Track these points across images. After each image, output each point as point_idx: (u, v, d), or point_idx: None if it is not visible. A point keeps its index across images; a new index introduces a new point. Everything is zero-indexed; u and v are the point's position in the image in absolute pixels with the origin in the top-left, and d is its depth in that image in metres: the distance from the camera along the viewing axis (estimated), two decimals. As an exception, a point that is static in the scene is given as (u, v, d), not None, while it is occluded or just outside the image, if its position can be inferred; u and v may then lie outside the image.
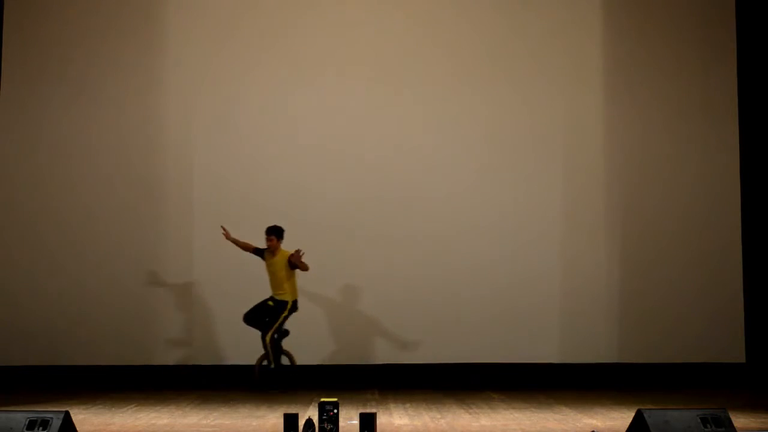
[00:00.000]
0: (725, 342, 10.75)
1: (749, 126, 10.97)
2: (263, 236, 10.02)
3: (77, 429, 5.99)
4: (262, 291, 10.64)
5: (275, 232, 9.91)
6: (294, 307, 9.88)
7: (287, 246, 9.93)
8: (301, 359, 10.49)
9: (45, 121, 10.83)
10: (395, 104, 10.98)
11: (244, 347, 10.47)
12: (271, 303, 9.84)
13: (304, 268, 9.76)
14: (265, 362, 9.83)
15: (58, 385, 10.09)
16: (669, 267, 10.87)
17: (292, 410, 6.57)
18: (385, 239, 10.79)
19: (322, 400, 6.28)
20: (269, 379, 9.78)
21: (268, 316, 9.82)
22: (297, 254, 9.69)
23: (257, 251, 10.03)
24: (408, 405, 8.64)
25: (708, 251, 10.90)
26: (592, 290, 10.82)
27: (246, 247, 10.04)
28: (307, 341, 10.54)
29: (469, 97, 11.00)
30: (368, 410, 6.69)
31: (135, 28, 10.96)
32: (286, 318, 9.82)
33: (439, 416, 7.86)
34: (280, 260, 9.83)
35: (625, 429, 6.09)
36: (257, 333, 10.06)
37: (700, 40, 11.16)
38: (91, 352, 10.53)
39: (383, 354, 10.66)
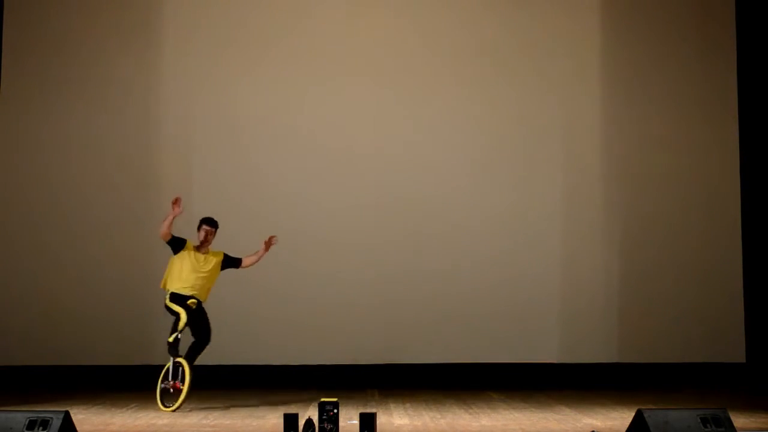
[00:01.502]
0: (725, 342, 10.75)
1: (749, 126, 10.97)
2: (262, 235, 10.02)
3: (77, 429, 5.99)
4: (263, 290, 10.66)
5: (217, 226, 8.61)
6: None
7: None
8: (301, 359, 10.52)
9: (46, 122, 10.83)
10: (395, 105, 10.98)
11: (245, 347, 10.49)
12: (194, 303, 8.36)
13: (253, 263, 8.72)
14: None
15: (58, 385, 10.09)
16: (669, 267, 10.87)
17: (292, 410, 6.57)
18: (384, 239, 10.79)
19: (322, 400, 6.28)
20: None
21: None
22: (272, 241, 8.66)
23: (176, 241, 8.44)
24: (408, 405, 8.65)
25: (708, 251, 10.90)
26: (592, 290, 10.82)
27: (167, 232, 8.34)
28: (307, 341, 10.55)
29: (468, 98, 11.00)
30: (368, 410, 6.69)
31: (135, 30, 10.95)
32: None
33: (439, 416, 7.86)
34: (214, 258, 8.55)
35: (625, 429, 6.09)
36: (257, 333, 10.06)
37: (700, 40, 11.16)
38: (91, 352, 10.52)
39: (383, 354, 10.66)
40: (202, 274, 8.43)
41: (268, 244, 8.70)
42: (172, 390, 8.08)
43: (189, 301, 8.32)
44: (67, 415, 5.84)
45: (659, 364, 10.71)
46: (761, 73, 10.91)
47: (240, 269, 8.77)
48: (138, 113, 10.88)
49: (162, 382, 8.15)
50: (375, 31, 11.07)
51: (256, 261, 8.78)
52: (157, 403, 8.08)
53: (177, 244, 8.43)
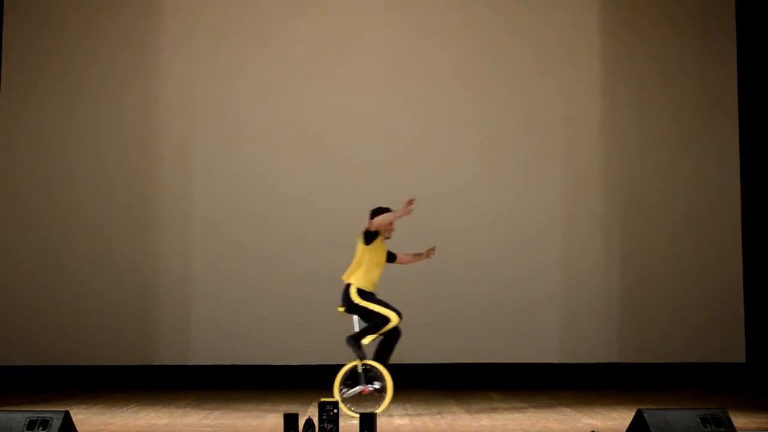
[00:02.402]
0: (725, 342, 10.74)
1: (749, 125, 10.96)
2: (262, 235, 10.10)
3: (77, 429, 5.99)
4: (263, 290, 10.67)
5: None
6: None
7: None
8: (301, 359, 10.51)
9: (45, 121, 10.82)
10: (394, 103, 10.97)
11: (245, 347, 10.48)
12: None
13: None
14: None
15: (58, 385, 10.09)
16: (669, 266, 10.87)
17: (292, 410, 6.57)
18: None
19: (322, 400, 6.29)
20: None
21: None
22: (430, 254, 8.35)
23: (375, 233, 8.02)
24: (408, 405, 8.64)
25: (708, 251, 10.89)
26: (592, 290, 10.81)
27: (384, 225, 8.04)
28: (307, 341, 10.54)
29: (467, 97, 10.98)
30: (368, 410, 6.69)
31: (133, 28, 10.93)
32: None
33: (439, 416, 7.86)
34: (386, 250, 8.19)
35: (625, 429, 6.09)
36: (257, 333, 10.08)
37: (700, 38, 11.15)
38: (91, 352, 10.52)
39: (383, 354, 10.64)
40: (381, 268, 8.07)
41: (428, 254, 8.31)
42: (362, 394, 7.72)
43: (378, 298, 7.93)
44: (67, 415, 5.84)
45: (659, 364, 10.70)
46: (761, 71, 10.90)
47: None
48: (138, 113, 10.86)
49: (346, 386, 7.74)
50: (375, 29, 11.05)
51: (409, 262, 8.36)
52: (343, 410, 7.52)
53: (374, 236, 8.00)
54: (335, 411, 6.20)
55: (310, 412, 7.20)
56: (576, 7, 11.13)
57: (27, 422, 5.69)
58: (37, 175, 10.78)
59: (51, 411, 5.83)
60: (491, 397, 9.28)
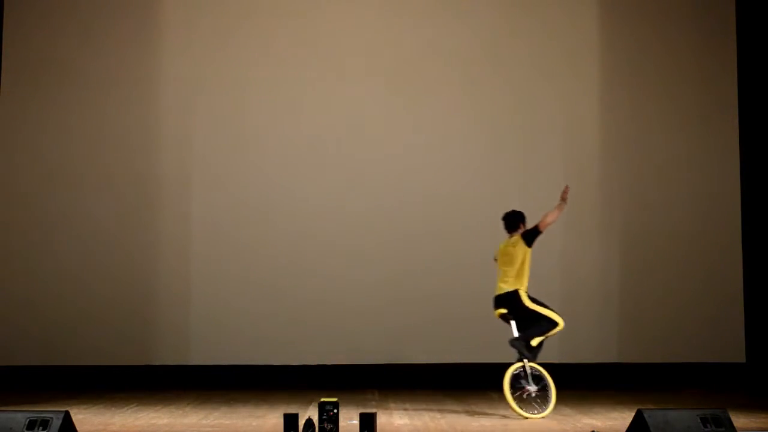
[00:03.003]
0: (725, 342, 10.74)
1: (749, 126, 10.96)
2: (262, 235, 10.09)
3: (77, 429, 5.99)
4: (263, 290, 10.67)
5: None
6: None
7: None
8: (301, 359, 10.51)
9: (45, 122, 10.82)
10: (395, 105, 10.98)
11: (245, 347, 10.49)
12: None
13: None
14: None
15: (58, 385, 10.08)
16: (669, 267, 10.87)
17: (292, 410, 6.57)
18: (384, 239, 10.79)
19: (322, 400, 6.29)
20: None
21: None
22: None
23: (537, 236, 7.96)
24: (408, 405, 8.65)
25: (708, 252, 10.90)
26: (592, 290, 10.82)
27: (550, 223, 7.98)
28: (307, 341, 10.55)
29: (467, 98, 10.99)
30: (368, 410, 6.69)
31: (134, 30, 10.95)
32: None
33: (439, 416, 7.86)
34: None
35: (625, 429, 6.08)
36: (257, 333, 10.08)
37: (699, 40, 11.15)
38: (91, 352, 10.52)
39: (383, 354, 10.66)
40: None
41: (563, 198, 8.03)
42: (526, 396, 7.70)
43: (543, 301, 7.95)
44: (67, 415, 5.84)
45: (659, 364, 10.70)
46: (761, 71, 10.90)
47: None
48: (139, 113, 10.87)
49: (516, 388, 7.66)
50: (375, 33, 11.06)
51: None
52: (515, 411, 7.60)
53: (537, 237, 7.92)
54: (335, 411, 6.20)
55: (310, 412, 7.20)
56: (575, 9, 11.13)
57: (27, 422, 5.69)
58: (38, 175, 10.79)
59: (51, 411, 5.83)
60: (491, 397, 9.27)
